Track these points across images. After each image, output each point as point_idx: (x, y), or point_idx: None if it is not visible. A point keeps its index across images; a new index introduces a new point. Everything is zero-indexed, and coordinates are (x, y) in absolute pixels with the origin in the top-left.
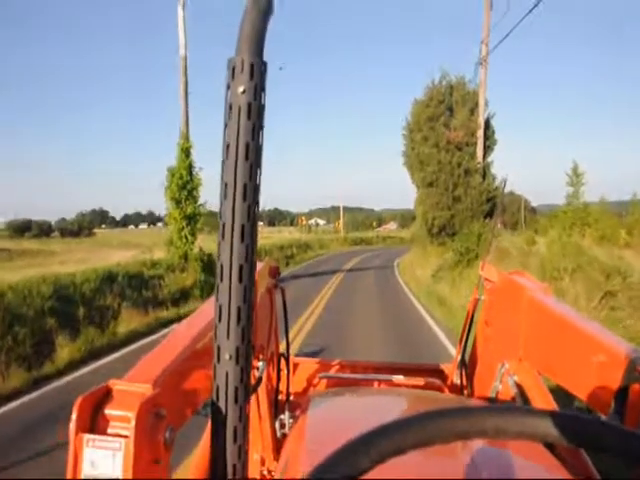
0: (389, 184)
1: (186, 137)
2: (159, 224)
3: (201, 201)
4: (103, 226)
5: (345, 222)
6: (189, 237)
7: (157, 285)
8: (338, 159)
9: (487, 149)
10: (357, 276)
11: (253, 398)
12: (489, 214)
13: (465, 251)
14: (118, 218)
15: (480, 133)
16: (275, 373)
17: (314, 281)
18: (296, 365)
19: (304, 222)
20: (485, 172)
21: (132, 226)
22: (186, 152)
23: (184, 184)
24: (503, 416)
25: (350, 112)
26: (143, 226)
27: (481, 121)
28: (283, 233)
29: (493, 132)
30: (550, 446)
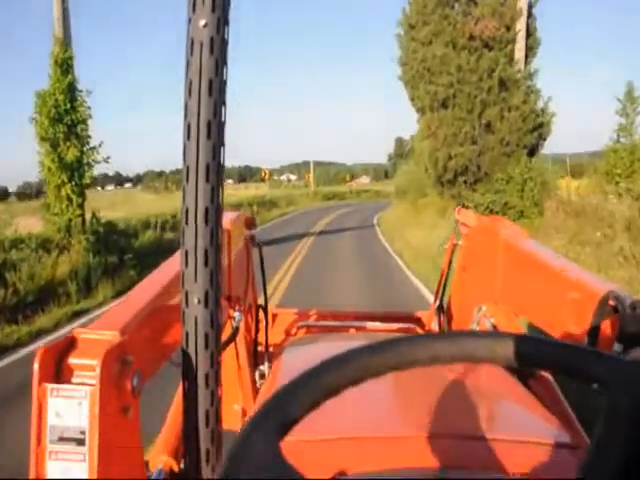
0: (360, 137)
1: (63, 43)
2: (127, 184)
3: (94, 143)
4: None
5: (317, 177)
6: (73, 198)
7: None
8: (308, 113)
9: (528, 51)
10: (330, 244)
11: (232, 349)
12: (532, 152)
13: (501, 208)
14: None
15: (522, 23)
16: (254, 324)
17: (269, 253)
18: (275, 316)
19: (267, 175)
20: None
21: (99, 188)
22: (64, 66)
23: (60, 115)
24: (435, 342)
25: (319, 61)
26: (110, 187)
27: (523, 4)
28: (249, 190)
29: (535, 28)
30: (519, 375)
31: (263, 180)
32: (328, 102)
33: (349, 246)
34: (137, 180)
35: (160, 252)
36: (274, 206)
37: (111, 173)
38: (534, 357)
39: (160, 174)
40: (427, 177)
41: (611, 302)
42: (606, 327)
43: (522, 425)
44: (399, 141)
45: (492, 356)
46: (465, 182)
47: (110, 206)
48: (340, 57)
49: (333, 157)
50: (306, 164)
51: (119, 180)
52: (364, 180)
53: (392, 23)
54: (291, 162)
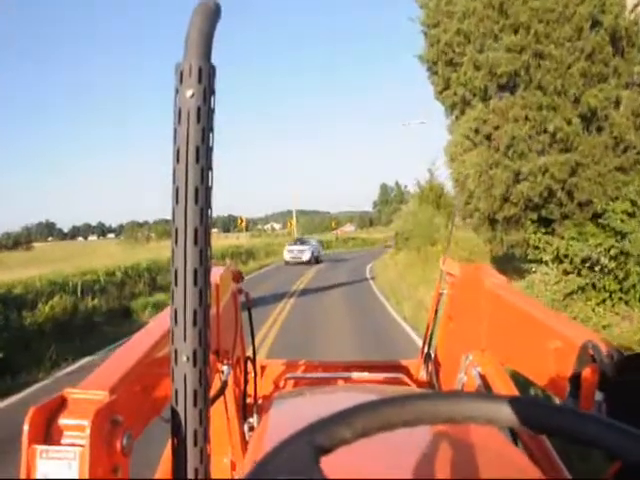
0: (344, 186)
1: None
2: (110, 235)
3: None
4: (50, 239)
5: (301, 225)
6: None
7: None
8: (292, 162)
9: None
10: (314, 310)
11: (221, 402)
12: None
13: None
14: (66, 230)
15: None
16: (242, 376)
17: None
18: (264, 367)
19: (243, 223)
20: None
21: (81, 238)
22: None
23: None
24: (442, 401)
25: (302, 112)
26: (92, 237)
27: None
28: (229, 239)
29: None
30: (513, 436)
31: (240, 229)
32: (312, 151)
33: (340, 311)
34: (120, 230)
35: (67, 330)
36: (251, 257)
37: (94, 223)
38: (576, 431)
39: (142, 224)
40: (469, 213)
41: (590, 352)
42: (586, 376)
43: None
44: (384, 187)
45: (522, 422)
46: (542, 219)
47: (63, 259)
48: (322, 105)
49: (317, 206)
50: (291, 213)
51: (102, 230)
52: (349, 228)
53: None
54: (275, 211)
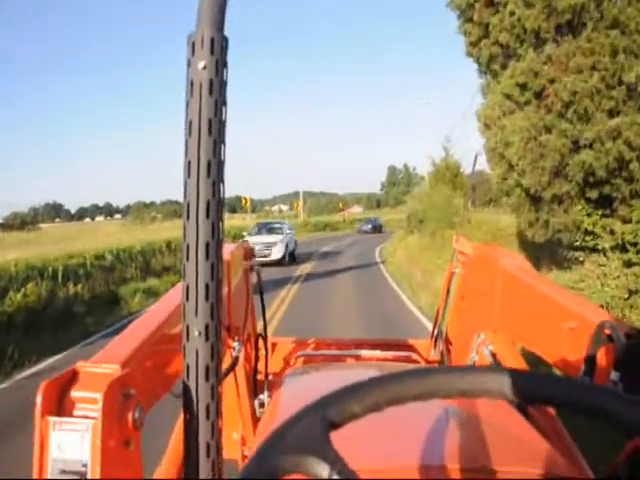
0: (352, 167)
1: None
2: (117, 216)
3: None
4: (57, 220)
5: (308, 207)
6: None
7: None
8: (300, 143)
9: None
10: (319, 299)
11: (231, 378)
12: None
13: None
14: (73, 211)
15: None
16: (253, 353)
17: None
18: (274, 345)
19: (248, 203)
20: None
21: (88, 219)
22: None
23: None
24: (447, 375)
25: (311, 91)
26: (100, 218)
27: None
28: (235, 220)
29: None
30: (524, 411)
31: (245, 210)
32: (319, 132)
33: (347, 303)
34: (127, 211)
35: (40, 321)
36: None
37: (101, 204)
38: (574, 400)
39: (148, 205)
40: (506, 191)
41: (607, 331)
42: (602, 356)
43: (526, 459)
44: (392, 169)
45: (523, 395)
46: (599, 199)
47: (59, 240)
48: (330, 85)
49: (325, 187)
50: (298, 194)
51: (109, 211)
52: (356, 209)
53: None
54: (283, 193)
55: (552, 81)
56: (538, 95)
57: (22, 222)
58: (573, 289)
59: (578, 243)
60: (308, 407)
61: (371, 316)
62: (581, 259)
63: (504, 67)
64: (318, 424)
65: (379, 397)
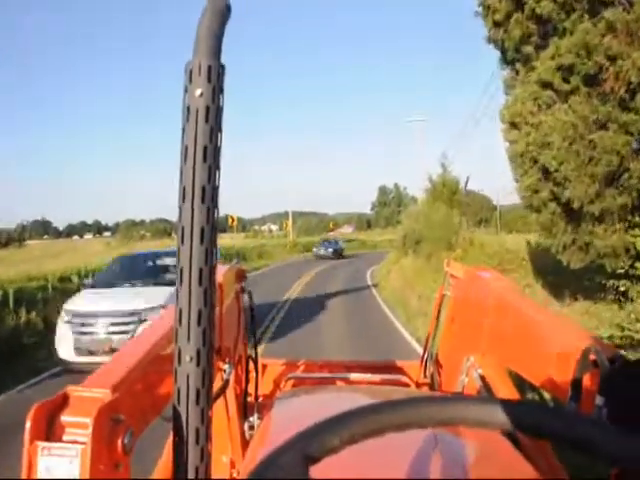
0: (342, 187)
1: None
2: (106, 233)
3: None
4: (45, 237)
5: (298, 226)
6: None
7: None
8: (290, 164)
9: None
10: (306, 335)
11: (222, 401)
12: None
13: None
14: (62, 228)
15: None
16: (244, 375)
17: None
18: (265, 366)
19: (234, 222)
20: None
21: (76, 236)
22: None
23: None
24: (438, 404)
25: (301, 113)
26: (88, 236)
27: None
28: (223, 239)
29: None
30: (514, 440)
31: (248, 230)
32: (310, 152)
33: (339, 332)
34: (116, 229)
35: None
36: (241, 260)
37: (90, 222)
38: (563, 431)
39: (137, 223)
40: (536, 205)
41: (592, 356)
42: (587, 381)
43: None
44: (383, 189)
45: (512, 424)
46: None
47: (36, 259)
48: (320, 106)
49: (315, 207)
50: (288, 214)
51: (98, 229)
52: (347, 230)
53: None
54: (272, 212)
55: (613, 59)
56: (590, 80)
57: (8, 238)
58: (630, 331)
59: (623, 270)
60: (288, 442)
61: (364, 349)
62: (622, 287)
63: (540, 49)
64: (298, 459)
65: (358, 430)
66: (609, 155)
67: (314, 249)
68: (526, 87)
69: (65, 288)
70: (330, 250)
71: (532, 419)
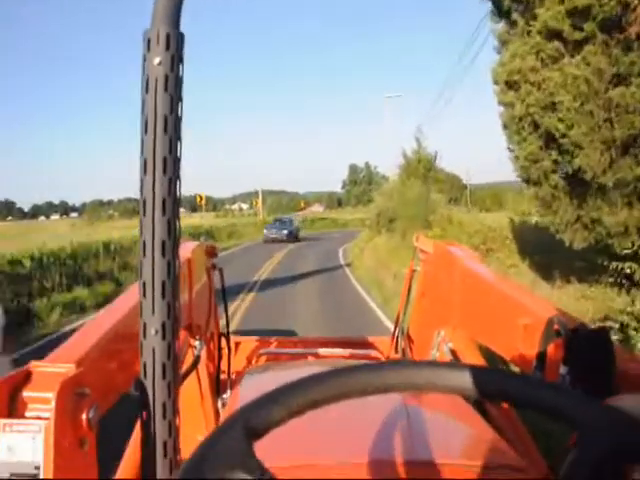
0: (312, 165)
1: None
2: (73, 214)
3: None
4: (9, 218)
5: (268, 205)
6: None
7: None
8: (260, 142)
9: None
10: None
11: (194, 378)
12: None
13: None
14: (27, 209)
15: None
16: (216, 352)
17: None
18: (237, 344)
19: (202, 200)
20: None
21: (43, 217)
22: None
23: None
24: (397, 370)
25: (271, 90)
26: (55, 217)
27: None
28: (194, 219)
29: None
30: (480, 408)
31: (201, 207)
32: (280, 130)
33: (311, 314)
34: (83, 209)
35: None
36: (210, 239)
37: (56, 202)
38: (513, 394)
39: (104, 203)
40: (535, 176)
41: (556, 326)
42: (552, 351)
43: (475, 451)
44: (353, 168)
45: (462, 388)
46: None
47: None
48: (292, 83)
49: (285, 186)
50: (258, 193)
51: (65, 209)
52: (317, 208)
53: None
54: (243, 191)
55: None
56: (610, 25)
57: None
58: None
59: (630, 250)
60: (230, 418)
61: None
62: (627, 271)
63: None
64: (241, 434)
65: (299, 401)
66: (630, 116)
67: (265, 231)
68: (526, 40)
69: (15, 272)
70: (284, 232)
71: (494, 385)
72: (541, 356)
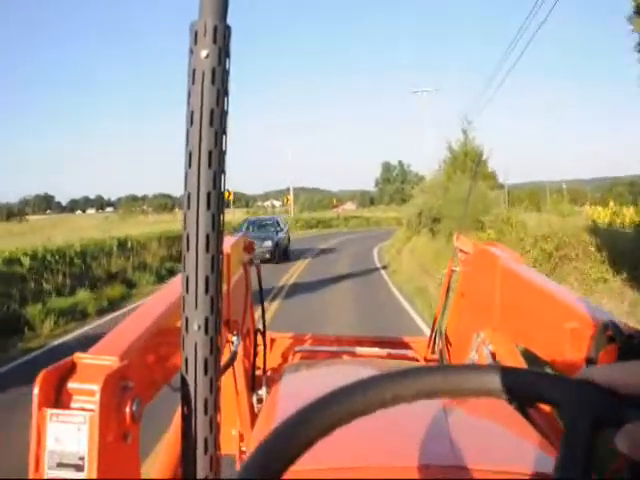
0: (345, 163)
1: None
2: (109, 209)
3: None
4: (48, 212)
5: (301, 203)
6: None
7: None
8: (293, 140)
9: None
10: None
11: (230, 373)
12: None
13: None
14: (65, 203)
15: None
16: (252, 348)
17: None
18: (273, 340)
19: (231, 196)
20: None
21: (79, 211)
22: None
23: None
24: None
25: (304, 90)
26: (91, 211)
27: None
28: (226, 215)
29: None
30: (522, 409)
31: (251, 206)
32: (315, 128)
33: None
34: (118, 204)
35: None
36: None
37: (92, 196)
38: (488, 387)
39: (138, 198)
40: None
41: (609, 332)
42: (604, 357)
43: (520, 458)
44: (386, 166)
45: (442, 389)
46: None
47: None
48: (324, 81)
49: (318, 184)
50: (289, 190)
51: (101, 204)
52: (350, 206)
53: None
54: (275, 189)
55: None
56: None
57: (9, 213)
58: None
59: None
60: (281, 424)
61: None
62: None
63: None
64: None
65: (353, 407)
66: None
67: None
68: None
69: (11, 272)
70: (266, 245)
71: (480, 380)
72: (591, 362)
